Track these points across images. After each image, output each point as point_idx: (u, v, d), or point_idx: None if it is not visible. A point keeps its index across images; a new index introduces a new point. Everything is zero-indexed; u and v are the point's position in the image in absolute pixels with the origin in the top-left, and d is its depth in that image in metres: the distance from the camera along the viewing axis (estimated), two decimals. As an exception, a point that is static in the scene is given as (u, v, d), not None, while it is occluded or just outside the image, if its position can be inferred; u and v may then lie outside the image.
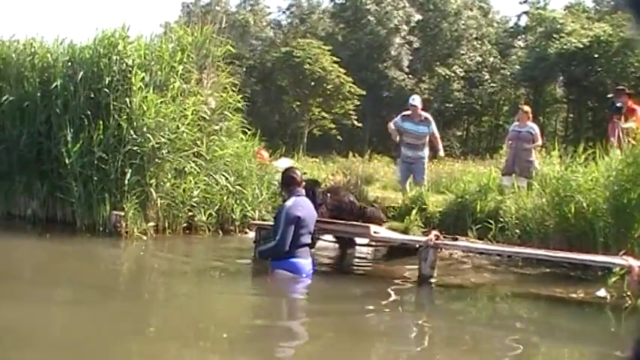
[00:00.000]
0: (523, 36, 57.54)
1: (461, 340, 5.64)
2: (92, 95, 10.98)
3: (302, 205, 7.45)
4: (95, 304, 6.12)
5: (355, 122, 50.45)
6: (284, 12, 65.71)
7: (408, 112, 12.78)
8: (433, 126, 12.79)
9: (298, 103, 50.92)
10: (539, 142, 12.79)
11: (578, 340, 5.80)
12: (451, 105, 53.76)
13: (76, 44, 11.79)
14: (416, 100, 12.92)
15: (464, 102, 54.60)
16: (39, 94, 11.35)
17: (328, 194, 9.17)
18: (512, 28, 61.24)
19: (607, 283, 7.49)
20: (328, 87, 48.03)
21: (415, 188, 12.12)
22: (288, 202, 7.43)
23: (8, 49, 12.12)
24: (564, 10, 55.29)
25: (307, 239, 7.52)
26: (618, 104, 12.32)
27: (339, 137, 49.87)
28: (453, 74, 55.09)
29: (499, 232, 9.80)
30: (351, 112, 49.89)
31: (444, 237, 7.99)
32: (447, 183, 15.66)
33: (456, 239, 8.29)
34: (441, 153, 13.30)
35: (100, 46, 11.21)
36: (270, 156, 13.96)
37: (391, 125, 13.10)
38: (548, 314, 6.83)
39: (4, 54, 12.07)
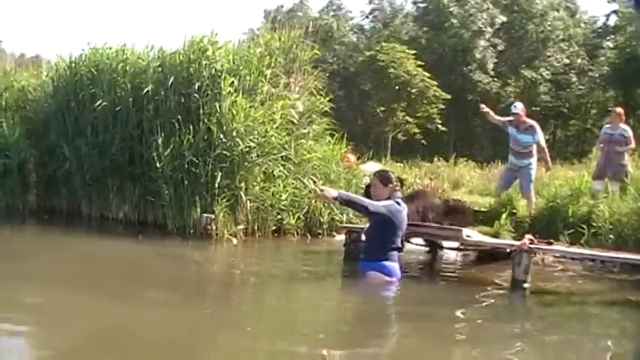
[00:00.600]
0: (612, 36, 55.96)
1: (555, 348, 5.52)
2: (182, 100, 11.18)
3: (401, 207, 7.42)
4: (188, 305, 6.22)
5: (440, 126, 50.05)
6: (367, 17, 65.78)
7: (511, 118, 12.14)
8: (539, 135, 11.91)
9: (382, 107, 50.84)
10: (632, 144, 12.47)
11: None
12: (538, 108, 52.64)
13: (166, 50, 12.04)
14: (518, 107, 12.13)
15: (551, 105, 53.52)
16: (131, 100, 11.62)
17: (415, 198, 9.08)
18: (600, 28, 59.67)
19: None
20: (412, 91, 47.82)
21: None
22: (391, 202, 7.40)
23: (101, 56, 12.43)
24: (656, 8, 53.61)
25: (399, 243, 7.48)
26: None
27: (423, 142, 49.59)
28: (539, 77, 54.07)
29: (592, 237, 9.59)
30: (436, 116, 49.54)
31: (538, 241, 7.83)
32: (536, 187, 15.37)
33: (551, 243, 8.12)
34: (549, 165, 12.52)
35: (190, 52, 11.42)
36: (357, 159, 13.95)
37: (498, 118, 12.60)
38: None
39: (97, 61, 12.38)
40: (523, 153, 11.79)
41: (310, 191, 10.06)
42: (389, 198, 7.43)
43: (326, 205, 11.01)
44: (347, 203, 8.00)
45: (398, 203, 7.41)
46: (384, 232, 7.37)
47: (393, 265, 7.39)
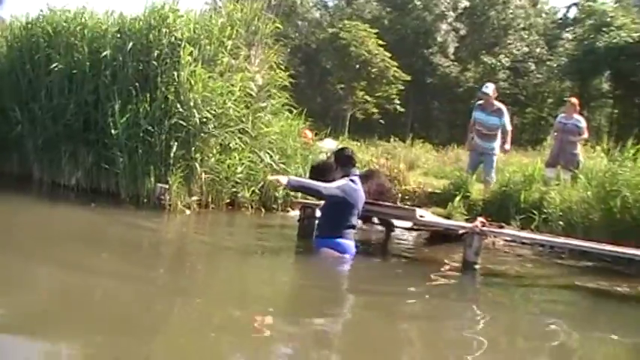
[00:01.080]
0: (571, 28, 56.51)
1: (502, 326, 5.61)
2: (140, 67, 11.06)
3: (356, 186, 7.43)
4: (139, 275, 6.18)
5: (398, 107, 50.19)
6: (330, -7, 65.45)
7: (481, 101, 12.30)
8: (505, 118, 12.07)
9: (342, 85, 50.80)
10: (585, 135, 12.68)
11: (620, 332, 5.71)
12: (496, 94, 53.26)
13: (126, 15, 11.86)
14: (489, 87, 12.27)
15: (508, 92, 53.84)
16: (88, 64, 11.44)
17: (369, 178, 9.07)
18: (560, 19, 60.24)
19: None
20: (373, 70, 47.78)
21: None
22: (346, 181, 7.42)
23: (59, 18, 12.20)
24: (615, 3, 54.32)
25: (354, 221, 7.54)
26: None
27: (381, 121, 49.71)
28: (498, 63, 54.48)
29: (542, 223, 9.74)
30: (395, 96, 49.64)
31: (490, 224, 7.92)
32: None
33: (502, 227, 8.22)
34: (507, 147, 12.29)
35: (150, 18, 11.28)
36: (314, 136, 13.94)
37: (471, 125, 12.44)
38: (592, 306, 6.75)
39: (55, 23, 12.15)
40: (488, 135, 11.98)
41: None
42: (345, 175, 7.44)
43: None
44: (299, 189, 8.04)
45: (353, 181, 7.42)
46: (340, 210, 7.41)
47: (348, 243, 7.44)
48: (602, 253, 7.84)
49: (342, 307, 6.05)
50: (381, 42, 47.55)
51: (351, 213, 7.42)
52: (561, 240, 8.17)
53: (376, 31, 48.35)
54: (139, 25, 11.31)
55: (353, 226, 7.53)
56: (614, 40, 44.10)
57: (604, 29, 45.48)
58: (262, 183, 11.03)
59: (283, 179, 7.35)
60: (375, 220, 9.46)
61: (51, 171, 12.02)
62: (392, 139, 25.72)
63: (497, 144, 12.09)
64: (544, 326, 5.66)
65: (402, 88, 49.29)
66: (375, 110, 49.88)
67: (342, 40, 47.50)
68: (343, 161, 7.65)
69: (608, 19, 46.60)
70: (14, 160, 12.69)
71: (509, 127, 12.15)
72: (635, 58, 42.91)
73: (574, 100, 13.38)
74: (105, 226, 8.83)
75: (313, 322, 5.18)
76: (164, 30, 11.05)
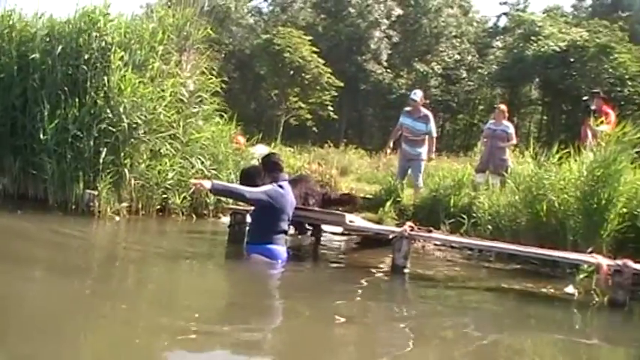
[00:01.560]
0: (502, 37, 57.83)
1: (430, 329, 5.65)
2: (70, 71, 10.89)
3: (284, 191, 7.45)
4: (65, 282, 6.05)
5: (331, 113, 50.38)
6: (265, 0, 65.58)
7: (409, 108, 12.50)
8: (431, 125, 12.38)
9: (276, 91, 50.79)
10: (514, 140, 12.96)
11: (545, 330, 5.91)
12: (428, 101, 53.67)
13: (55, 19, 11.63)
14: (417, 94, 12.55)
15: (440, 99, 54.80)
16: (15, 67, 11.17)
17: (298, 183, 9.09)
18: (491, 28, 61.70)
19: (575, 280, 7.65)
20: (307, 77, 47.87)
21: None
22: (272, 186, 7.43)
23: (-15, 20, 11.91)
24: (543, 13, 55.71)
25: (285, 226, 7.56)
26: (592, 107, 12.52)
27: (314, 128, 49.84)
28: (431, 71, 55.31)
29: (471, 227, 9.91)
30: (328, 103, 49.83)
31: (419, 229, 8.02)
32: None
33: (431, 231, 8.32)
34: (432, 155, 12.75)
35: (80, 22, 11.10)
36: (246, 142, 13.91)
37: (396, 129, 12.80)
38: (518, 306, 6.89)
39: (-20, 25, 11.86)
40: (415, 141, 12.22)
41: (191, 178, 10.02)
42: (273, 181, 7.46)
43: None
44: (223, 193, 8.08)
45: (281, 187, 7.45)
46: (268, 216, 7.42)
47: (278, 249, 7.45)
48: (528, 255, 8.01)
49: (271, 312, 6.04)
50: (315, 48, 47.71)
51: (280, 218, 7.44)
52: (489, 243, 8.33)
53: (310, 37, 48.52)
54: (69, 29, 11.13)
55: (283, 232, 7.55)
56: (543, 49, 45.34)
57: (533, 38, 46.67)
58: (193, 189, 10.95)
59: (207, 184, 7.33)
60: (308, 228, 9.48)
61: (-24, 177, 11.71)
62: (325, 145, 25.80)
63: (424, 149, 12.35)
64: (472, 326, 5.77)
65: (336, 94, 49.52)
66: (308, 116, 49.99)
67: (276, 46, 47.49)
68: (270, 167, 7.69)
69: (537, 29, 47.83)
70: None
71: (434, 134, 12.51)
72: (562, 67, 44.18)
73: (503, 106, 13.67)
74: (31, 232, 8.63)
75: (242, 327, 5.15)
76: (94, 34, 10.89)
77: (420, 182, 12.30)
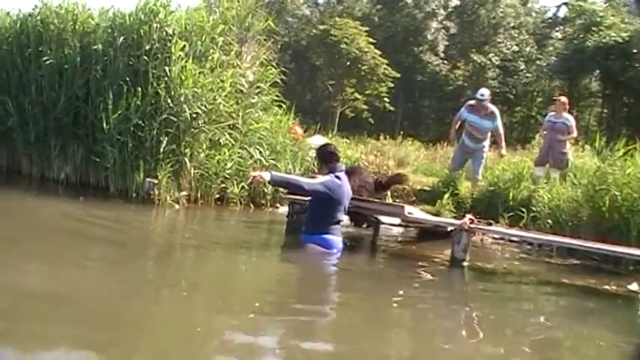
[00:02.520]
0: (561, 27, 56.70)
1: (487, 322, 5.60)
2: (131, 62, 11.03)
3: (341, 182, 7.46)
4: (126, 269, 6.17)
5: (387, 105, 50.21)
6: (321, -10, 65.48)
7: (474, 103, 12.14)
8: (498, 121, 12.16)
9: (332, 82, 50.78)
10: (574, 134, 12.65)
11: (607, 329, 5.75)
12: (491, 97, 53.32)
13: (117, 11, 11.83)
14: (485, 95, 12.12)
15: (498, 90, 53.93)
16: (78, 59, 11.41)
17: (352, 175, 9.04)
18: (550, 18, 60.39)
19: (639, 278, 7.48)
20: (363, 68, 47.77)
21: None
22: (330, 177, 7.44)
23: (50, 12, 12.15)
24: (605, 3, 54.48)
25: (341, 216, 7.57)
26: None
27: (370, 119, 49.72)
28: (488, 62, 54.58)
29: (531, 221, 9.79)
30: (384, 94, 49.65)
31: (478, 221, 7.95)
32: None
33: (490, 224, 8.25)
34: (503, 151, 12.80)
35: (142, 14, 11.23)
36: (303, 132, 13.95)
37: (455, 120, 12.54)
38: (579, 302, 6.79)
39: (46, 17, 12.10)
40: (480, 138, 12.01)
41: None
42: (330, 172, 7.46)
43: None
44: (281, 184, 8.10)
45: (338, 177, 7.44)
46: (325, 206, 7.43)
47: (334, 239, 7.46)
48: (589, 251, 7.89)
49: (327, 303, 6.03)
50: (371, 39, 47.55)
51: (337, 209, 7.45)
52: (549, 237, 8.23)
53: (366, 28, 48.36)
54: (130, 20, 11.27)
55: (339, 222, 7.56)
56: (604, 40, 44.21)
57: (593, 29, 45.59)
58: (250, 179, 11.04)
59: (266, 175, 7.35)
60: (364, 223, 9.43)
61: (40, 165, 12.05)
62: (381, 137, 25.67)
63: (487, 143, 12.26)
64: (531, 322, 5.71)
65: (392, 85, 49.31)
66: (364, 107, 49.91)
67: (333, 37, 47.46)
68: (327, 157, 7.67)
69: (598, 19, 46.72)
70: (3, 154, 12.69)
71: (502, 130, 12.29)
72: (624, 58, 43.07)
73: (563, 98, 13.37)
74: (93, 219, 8.79)
75: (299, 317, 5.17)
76: (155, 25, 11.01)
77: (480, 175, 12.07)
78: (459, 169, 12.39)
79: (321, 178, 7.44)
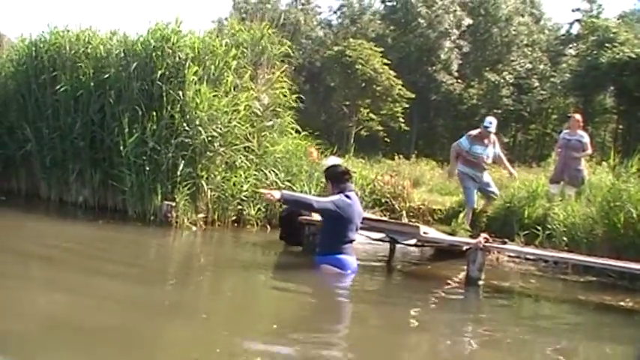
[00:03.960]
0: (575, 44, 56.71)
1: (504, 340, 5.60)
2: (145, 87, 11.14)
3: (351, 201, 7.50)
4: (144, 291, 6.23)
5: (402, 125, 50.26)
6: (335, 12, 65.99)
7: (475, 133, 11.76)
8: (498, 147, 11.91)
9: (347, 103, 50.91)
10: (589, 150, 12.64)
11: (624, 346, 5.74)
12: (499, 111, 53.11)
13: (129, 36, 11.98)
14: (493, 124, 11.75)
15: (512, 108, 54.00)
16: (92, 84, 11.56)
17: None
18: (563, 35, 60.41)
19: (656, 294, 7.48)
20: (378, 88, 47.87)
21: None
22: (339, 196, 7.47)
23: (62, 39, 12.32)
24: (618, 19, 54.38)
25: (353, 236, 7.57)
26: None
27: (386, 139, 49.77)
28: (502, 80, 54.57)
29: (546, 239, 9.79)
30: (399, 114, 49.71)
31: (493, 240, 7.97)
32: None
33: (505, 242, 8.26)
34: (515, 173, 12.62)
35: (153, 39, 11.36)
36: (319, 154, 14.02)
37: (453, 152, 12.00)
38: (596, 319, 6.80)
39: (59, 44, 12.28)
40: (486, 166, 11.82)
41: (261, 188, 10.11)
42: (340, 192, 7.48)
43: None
44: (292, 203, 8.07)
45: (348, 197, 7.48)
46: (336, 226, 7.45)
47: (348, 259, 7.47)
48: (606, 268, 7.87)
49: (344, 322, 6.07)
50: (385, 60, 47.70)
51: (348, 228, 7.44)
52: (565, 255, 8.23)
53: (381, 49, 48.51)
54: (143, 46, 11.40)
55: (351, 241, 7.55)
56: (618, 56, 44.04)
57: (607, 45, 45.46)
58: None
59: (276, 194, 7.38)
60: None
61: (58, 189, 12.18)
62: (396, 157, 25.74)
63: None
64: (548, 339, 5.68)
65: (407, 105, 49.36)
66: (379, 128, 49.98)
67: (348, 57, 47.62)
68: (338, 177, 7.67)
69: (611, 35, 46.64)
70: (22, 177, 12.83)
71: (502, 154, 12.14)
72: (638, 74, 42.84)
73: (578, 115, 13.38)
74: (111, 242, 8.88)
75: (317, 337, 5.20)
76: (167, 50, 11.14)
77: (496, 190, 11.98)
78: (474, 197, 11.79)
79: (331, 197, 7.47)
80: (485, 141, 11.57)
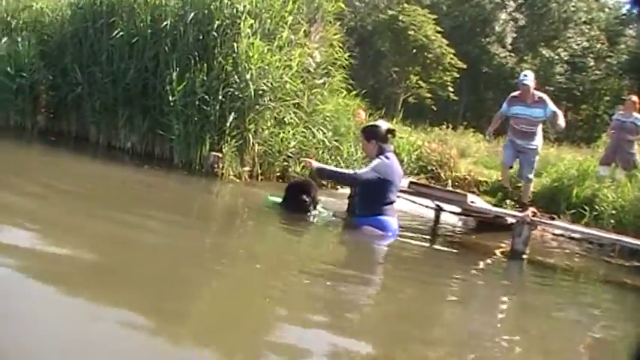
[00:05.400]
0: (635, 25, 55.46)
1: (541, 316, 5.52)
2: (200, 37, 11.10)
3: (390, 162, 7.40)
4: (187, 235, 6.26)
5: (451, 95, 49.82)
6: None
7: (517, 93, 10.51)
8: (550, 105, 10.23)
9: (396, 69, 50.55)
10: (644, 134, 12.41)
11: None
12: (551, 88, 52.37)
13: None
14: (529, 77, 10.41)
15: (565, 87, 53.15)
16: (149, 32, 11.52)
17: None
18: (624, 15, 59.05)
19: None
20: (429, 56, 47.44)
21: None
22: (379, 160, 7.37)
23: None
24: (682, 1, 52.95)
25: (394, 197, 7.48)
26: None
27: (433, 107, 49.40)
28: (556, 57, 53.63)
29: (593, 219, 9.67)
30: (449, 84, 49.26)
31: (541, 215, 7.87)
32: (541, 166, 15.40)
33: (553, 219, 8.16)
34: (562, 123, 10.26)
35: (212, -11, 11.29)
36: (367, 117, 13.93)
37: (496, 119, 11.11)
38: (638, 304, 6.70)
39: (118, -10, 12.28)
40: (529, 133, 10.38)
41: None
42: (380, 153, 7.40)
43: (333, 157, 11.12)
44: (327, 176, 8.09)
45: (387, 157, 7.39)
46: (377, 189, 7.35)
47: (389, 220, 7.40)
48: (654, 253, 7.76)
49: (378, 278, 6.06)
50: (438, 28, 47.18)
51: (388, 189, 7.36)
52: (614, 236, 8.11)
53: (434, 16, 47.98)
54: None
55: (392, 202, 7.46)
56: (678, 39, 43.05)
57: (668, 28, 44.39)
58: (314, 158, 11.01)
59: (315, 164, 7.32)
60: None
61: (107, 133, 12.25)
62: (443, 126, 25.51)
63: (539, 141, 10.56)
64: (589, 320, 5.61)
65: (457, 75, 48.88)
66: (427, 96, 49.59)
67: (401, 23, 47.17)
68: (381, 137, 7.51)
69: (674, 18, 45.46)
70: (72, 120, 12.93)
71: (558, 110, 10.38)
72: (698, 59, 41.90)
73: (635, 97, 13.11)
74: (156, 187, 8.97)
75: (356, 295, 5.18)
76: (226, 1, 11.07)
77: (532, 176, 10.55)
78: (511, 165, 10.84)
79: (371, 164, 7.37)
80: (528, 100, 10.24)
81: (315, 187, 7.88)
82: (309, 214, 7.66)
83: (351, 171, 7.58)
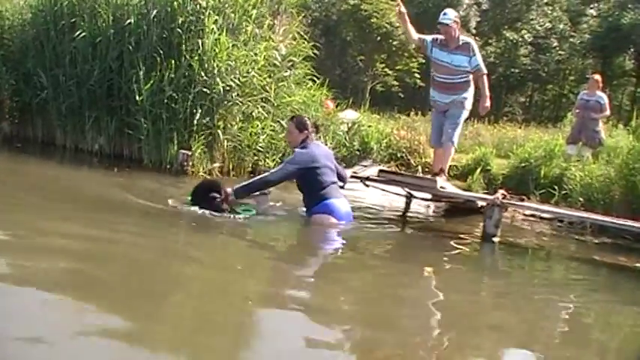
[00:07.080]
0: (596, 4, 55.98)
1: (516, 298, 5.59)
2: (165, 35, 11.03)
3: (308, 149, 7.33)
4: (158, 235, 6.28)
5: (418, 81, 49.96)
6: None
7: (438, 36, 9.09)
8: (478, 57, 8.86)
9: (362, 57, 50.61)
10: (607, 112, 12.62)
11: (637, 305, 5.75)
12: (517, 70, 52.86)
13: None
14: (449, 15, 9.01)
15: (530, 68, 53.63)
16: (112, 31, 11.42)
17: None
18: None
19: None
20: (393, 43, 47.54)
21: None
22: (295, 154, 7.36)
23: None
24: (641, -21, 53.63)
25: (331, 178, 7.33)
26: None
27: (400, 94, 49.53)
28: (520, 39, 54.08)
29: (562, 198, 9.78)
30: (415, 70, 49.39)
31: (511, 197, 7.95)
32: (509, 147, 15.55)
33: (523, 200, 8.25)
34: (486, 104, 8.99)
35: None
36: (335, 107, 13.97)
37: (412, 31, 9.44)
38: (611, 279, 6.80)
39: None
40: (453, 85, 8.97)
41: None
42: (303, 143, 7.37)
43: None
44: (250, 192, 7.42)
45: (304, 147, 7.33)
46: (308, 178, 7.24)
47: (334, 202, 7.25)
48: (622, 229, 7.86)
49: (353, 272, 5.98)
50: (402, 15, 47.20)
51: (320, 174, 7.22)
52: (583, 214, 8.22)
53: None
54: (163, -8, 11.28)
55: (332, 183, 7.33)
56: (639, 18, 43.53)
57: (629, 6, 44.88)
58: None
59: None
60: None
61: (74, 136, 12.12)
62: (412, 113, 25.63)
63: (467, 95, 9.00)
64: (561, 297, 5.68)
65: (423, 61, 49.01)
66: (394, 83, 49.70)
67: (364, 11, 47.23)
68: (308, 128, 7.48)
69: (634, -4, 46.03)
70: (38, 125, 12.80)
71: (484, 69, 9.03)
72: (660, 36, 42.40)
73: (597, 76, 13.31)
74: (126, 189, 8.84)
75: (325, 287, 5.23)
76: (188, -2, 11.03)
77: (454, 140, 9.04)
78: (439, 138, 9.26)
79: (286, 160, 7.41)
80: (451, 45, 8.93)
81: (222, 186, 7.56)
82: (224, 213, 7.21)
83: (264, 175, 7.44)
